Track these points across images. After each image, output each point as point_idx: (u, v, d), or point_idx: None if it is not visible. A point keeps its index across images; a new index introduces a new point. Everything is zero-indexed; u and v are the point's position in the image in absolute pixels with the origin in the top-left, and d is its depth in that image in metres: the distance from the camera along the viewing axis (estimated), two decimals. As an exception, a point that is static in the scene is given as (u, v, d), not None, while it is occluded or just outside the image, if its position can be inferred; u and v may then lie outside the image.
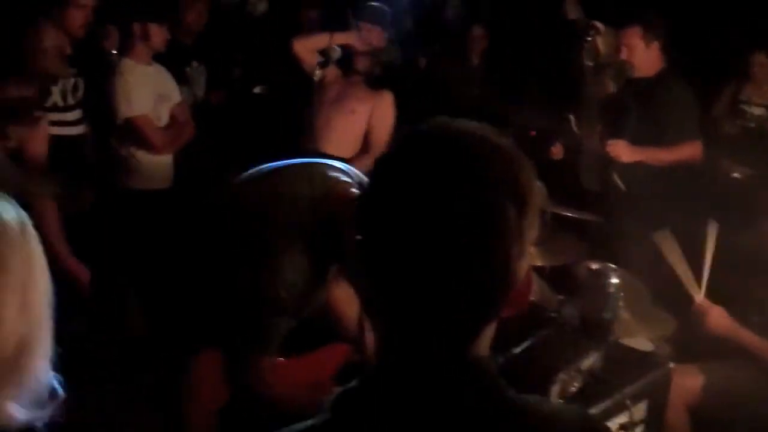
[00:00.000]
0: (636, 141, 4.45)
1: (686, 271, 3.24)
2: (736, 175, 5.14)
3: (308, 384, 2.59)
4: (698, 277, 3.27)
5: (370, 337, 2.76)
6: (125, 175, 4.65)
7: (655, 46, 4.55)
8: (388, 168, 1.11)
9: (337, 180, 2.49)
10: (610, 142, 4.46)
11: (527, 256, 1.09)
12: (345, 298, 2.74)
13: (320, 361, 2.73)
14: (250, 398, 2.53)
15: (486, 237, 1.04)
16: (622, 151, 4.44)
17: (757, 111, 5.81)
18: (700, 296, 3.22)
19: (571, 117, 4.84)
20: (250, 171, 2.64)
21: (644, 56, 4.54)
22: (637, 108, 4.54)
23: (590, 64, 4.71)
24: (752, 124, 5.74)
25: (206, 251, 2.61)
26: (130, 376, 3.87)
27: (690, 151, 4.51)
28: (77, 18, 4.28)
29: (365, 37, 4.64)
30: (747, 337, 3.12)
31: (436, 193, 1.04)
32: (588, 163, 4.83)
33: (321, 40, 4.61)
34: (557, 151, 5.01)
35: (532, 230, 1.09)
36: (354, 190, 2.44)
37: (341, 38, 4.60)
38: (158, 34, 4.55)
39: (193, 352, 2.64)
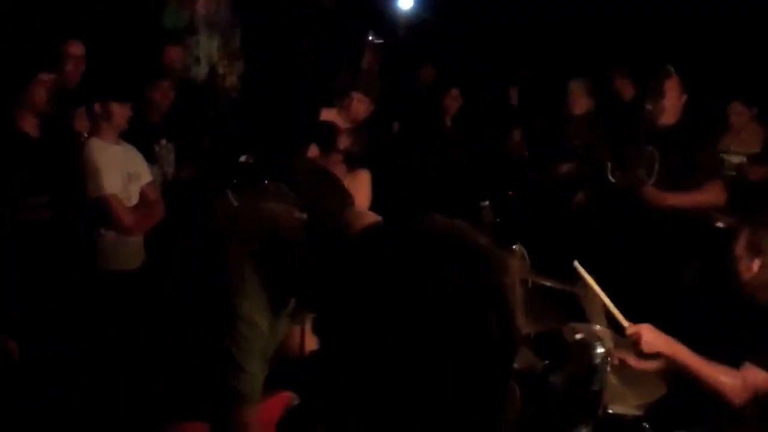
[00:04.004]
0: (662, 186, 4.68)
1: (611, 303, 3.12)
2: (719, 224, 5.10)
3: None
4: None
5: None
6: (96, 256, 4.53)
7: (684, 98, 4.77)
8: (357, 270, 1.00)
9: (281, 207, 2.52)
10: (643, 188, 4.65)
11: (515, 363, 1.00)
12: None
13: (266, 412, 2.61)
14: None
15: (468, 353, 0.94)
16: (654, 195, 4.63)
17: (736, 159, 5.81)
18: (626, 322, 3.08)
19: (608, 164, 4.84)
20: None
21: (675, 105, 4.75)
22: (662, 154, 4.70)
23: (650, 108, 4.70)
24: (732, 173, 5.72)
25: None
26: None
27: (714, 191, 4.75)
28: (42, 94, 4.25)
29: (354, 108, 4.55)
30: (682, 351, 3.00)
31: (412, 302, 0.93)
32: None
33: None
34: (581, 199, 5.07)
35: (516, 334, 0.99)
36: (298, 214, 2.44)
37: (323, 115, 4.52)
38: (120, 113, 4.47)
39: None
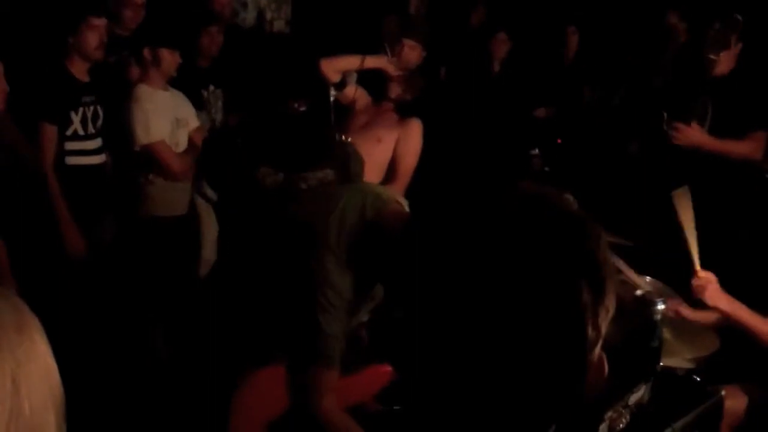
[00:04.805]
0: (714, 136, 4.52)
1: (694, 239, 3.08)
2: (769, 176, 5.00)
3: (351, 404, 2.59)
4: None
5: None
6: (145, 202, 4.56)
7: (739, 47, 4.61)
8: (449, 238, 0.96)
9: (389, 199, 2.59)
10: (679, 125, 4.49)
11: (602, 336, 0.97)
12: None
13: (364, 382, 2.73)
14: (305, 414, 2.54)
15: (559, 322, 0.91)
16: (692, 134, 4.49)
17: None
18: (698, 267, 3.04)
19: (665, 114, 4.74)
20: None
21: (732, 54, 4.60)
22: (715, 104, 4.56)
23: (714, 58, 4.58)
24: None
25: (259, 262, 2.79)
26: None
27: (753, 143, 4.55)
28: (92, 40, 4.24)
29: (406, 56, 4.46)
30: (741, 308, 2.96)
31: (503, 271, 0.91)
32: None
33: (351, 62, 4.37)
34: (634, 148, 4.99)
35: (607, 308, 0.96)
36: (405, 210, 2.55)
37: (373, 62, 4.37)
38: (169, 59, 4.44)
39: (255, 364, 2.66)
